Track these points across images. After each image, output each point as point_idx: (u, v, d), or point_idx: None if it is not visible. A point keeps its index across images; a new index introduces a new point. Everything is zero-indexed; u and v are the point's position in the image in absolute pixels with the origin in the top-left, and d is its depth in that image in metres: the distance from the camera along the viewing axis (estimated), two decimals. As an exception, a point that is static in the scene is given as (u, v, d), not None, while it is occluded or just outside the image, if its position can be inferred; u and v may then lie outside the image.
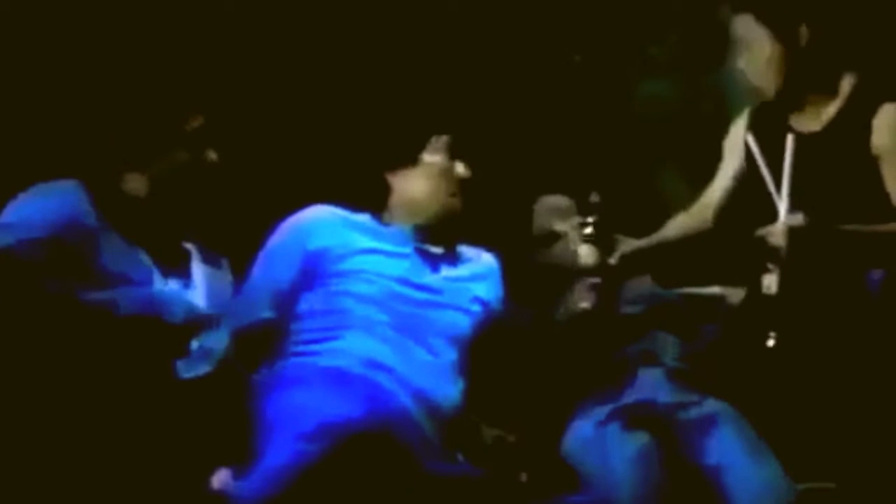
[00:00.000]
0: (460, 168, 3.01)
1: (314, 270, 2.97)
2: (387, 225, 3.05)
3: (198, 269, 3.00)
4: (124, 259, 2.87)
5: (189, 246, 3.02)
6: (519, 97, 4.09)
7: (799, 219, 2.90)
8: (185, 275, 2.97)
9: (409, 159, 3.04)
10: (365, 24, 4.06)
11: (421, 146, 3.04)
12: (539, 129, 4.07)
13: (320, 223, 3.03)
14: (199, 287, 2.98)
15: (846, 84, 3.03)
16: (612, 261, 3.04)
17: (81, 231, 2.83)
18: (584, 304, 3.02)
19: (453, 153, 3.02)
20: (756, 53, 3.01)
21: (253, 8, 4.03)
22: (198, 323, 2.86)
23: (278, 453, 2.66)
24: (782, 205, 2.94)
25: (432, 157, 3.02)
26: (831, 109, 3.02)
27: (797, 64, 3.01)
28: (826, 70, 3.04)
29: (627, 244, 3.11)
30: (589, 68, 4.11)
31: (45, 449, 2.58)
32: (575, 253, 3.06)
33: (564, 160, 3.96)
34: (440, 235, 3.04)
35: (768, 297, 2.92)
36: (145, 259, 2.90)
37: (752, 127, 3.13)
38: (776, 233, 2.90)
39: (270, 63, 4.03)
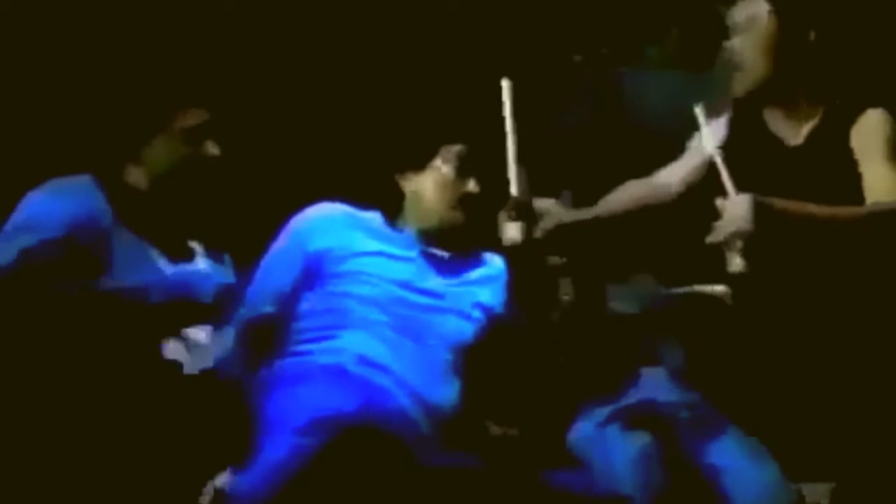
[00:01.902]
0: (471, 184, 3.01)
1: (316, 271, 2.98)
2: (396, 227, 3.05)
3: (204, 266, 3.01)
4: (136, 257, 2.87)
5: (194, 244, 3.03)
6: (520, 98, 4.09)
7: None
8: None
9: (420, 164, 3.05)
10: (374, 27, 4.06)
11: (433, 152, 3.05)
12: (539, 130, 4.06)
13: (324, 223, 3.03)
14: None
15: (830, 92, 3.03)
16: (541, 231, 3.01)
17: (97, 230, 2.83)
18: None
19: (464, 164, 3.03)
20: (755, 33, 2.99)
21: (269, 6, 4.03)
22: (228, 297, 2.87)
23: (275, 448, 2.69)
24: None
25: (441, 166, 3.03)
26: (813, 120, 3.02)
27: (792, 59, 3.00)
28: (815, 75, 3.03)
29: (565, 214, 3.09)
30: (588, 68, 4.11)
31: (46, 448, 2.59)
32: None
33: (564, 161, 3.96)
34: (445, 240, 3.04)
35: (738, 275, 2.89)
36: (156, 256, 2.90)
37: (731, 127, 3.12)
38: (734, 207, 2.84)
39: (286, 62, 4.03)
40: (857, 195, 2.93)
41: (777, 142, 3.04)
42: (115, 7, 3.80)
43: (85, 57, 3.72)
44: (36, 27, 3.80)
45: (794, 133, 3.03)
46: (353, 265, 2.97)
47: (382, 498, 2.59)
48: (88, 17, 3.80)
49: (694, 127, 3.07)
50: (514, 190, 2.94)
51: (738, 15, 3.04)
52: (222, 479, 2.70)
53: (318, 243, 2.99)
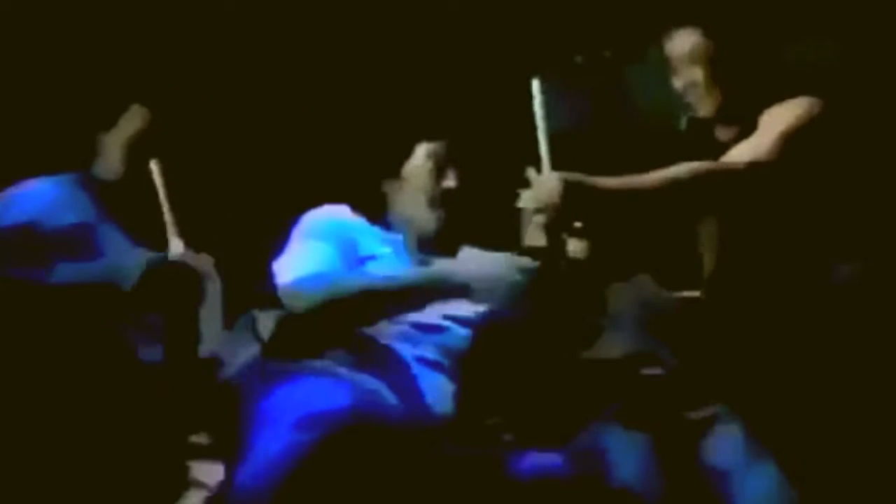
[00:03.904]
0: (450, 180, 2.99)
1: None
2: (388, 231, 3.03)
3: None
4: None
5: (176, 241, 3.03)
6: (518, 98, 4.08)
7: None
8: None
9: (398, 165, 3.03)
10: (363, 24, 4.05)
11: (408, 153, 3.02)
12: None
13: (343, 224, 3.01)
14: None
15: (770, 97, 3.07)
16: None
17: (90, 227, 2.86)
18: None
19: (441, 160, 3.00)
20: (698, 65, 3.06)
21: (245, 12, 4.03)
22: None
23: (272, 443, 2.63)
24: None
25: (416, 164, 3.01)
26: (751, 119, 3.05)
27: (729, 82, 3.05)
28: (754, 85, 3.07)
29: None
30: (589, 69, 4.11)
31: (25, 443, 2.58)
32: None
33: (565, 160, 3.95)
34: (432, 239, 3.02)
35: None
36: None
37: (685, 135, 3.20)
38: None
39: (271, 64, 4.03)
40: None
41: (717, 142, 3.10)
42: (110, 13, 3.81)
43: (84, 58, 3.73)
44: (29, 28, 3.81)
45: (730, 131, 3.09)
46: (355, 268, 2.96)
47: (380, 493, 2.58)
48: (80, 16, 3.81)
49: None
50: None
51: (674, 50, 3.09)
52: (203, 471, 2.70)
53: (345, 241, 2.97)
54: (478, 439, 2.83)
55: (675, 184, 2.88)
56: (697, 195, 2.91)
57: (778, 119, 2.97)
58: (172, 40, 3.78)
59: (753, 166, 2.89)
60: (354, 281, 2.89)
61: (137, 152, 2.90)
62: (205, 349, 3.03)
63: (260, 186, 3.88)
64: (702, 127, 3.17)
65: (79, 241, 2.83)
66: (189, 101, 3.04)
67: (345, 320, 2.86)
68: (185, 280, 2.83)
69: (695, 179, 2.88)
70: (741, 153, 2.94)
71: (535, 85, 2.94)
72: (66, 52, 3.61)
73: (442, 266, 2.96)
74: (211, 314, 3.08)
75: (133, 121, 2.90)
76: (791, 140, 2.93)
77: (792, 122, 2.96)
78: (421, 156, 3.01)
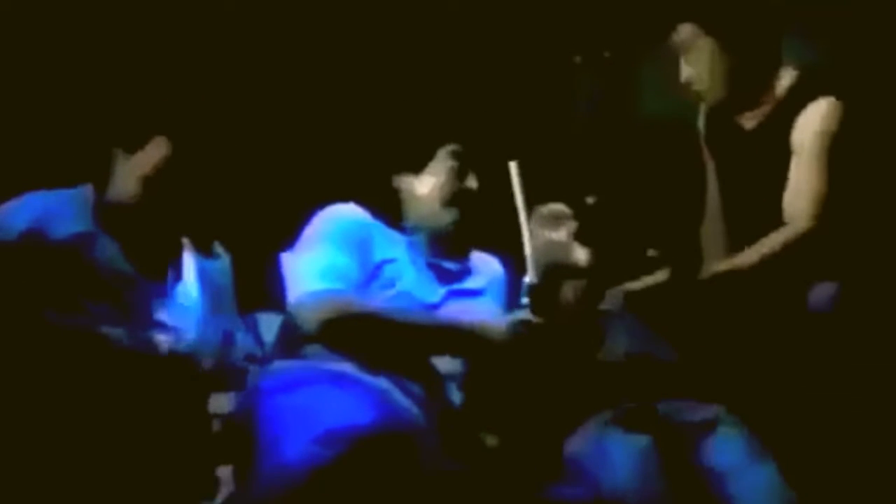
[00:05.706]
0: (469, 181, 2.99)
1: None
2: (405, 232, 3.02)
3: (190, 263, 3.02)
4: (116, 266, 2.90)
5: (185, 241, 3.04)
6: (520, 100, 4.09)
7: None
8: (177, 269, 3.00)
9: (418, 166, 3.02)
10: (374, 27, 4.06)
11: (431, 154, 3.02)
12: (541, 132, 4.07)
13: (363, 225, 3.01)
14: (191, 280, 3.00)
15: (784, 82, 3.16)
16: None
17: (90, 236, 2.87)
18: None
19: (462, 163, 3.00)
20: (702, 62, 3.14)
21: (259, 10, 4.03)
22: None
23: (289, 454, 2.59)
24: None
25: (437, 165, 3.00)
26: (767, 108, 3.15)
27: (740, 69, 3.14)
28: (766, 71, 3.16)
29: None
30: (589, 69, 4.12)
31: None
32: (568, 250, 3.05)
33: (566, 164, 3.96)
34: (448, 246, 3.02)
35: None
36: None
37: (706, 125, 3.30)
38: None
39: (284, 63, 4.03)
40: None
41: (737, 127, 3.20)
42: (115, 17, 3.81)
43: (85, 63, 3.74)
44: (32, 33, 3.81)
45: (750, 118, 3.18)
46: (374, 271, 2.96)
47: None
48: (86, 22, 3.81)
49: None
50: (531, 277, 2.88)
51: (679, 40, 3.18)
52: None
53: (362, 246, 2.96)
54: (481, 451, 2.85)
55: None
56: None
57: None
58: (196, 53, 3.79)
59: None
60: (371, 306, 2.86)
61: (154, 179, 2.90)
62: (218, 329, 3.03)
63: (266, 187, 3.88)
64: (721, 116, 3.23)
65: (78, 251, 2.84)
66: (212, 130, 3.04)
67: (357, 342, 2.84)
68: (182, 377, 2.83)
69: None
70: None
71: (513, 167, 2.89)
72: (101, 74, 3.63)
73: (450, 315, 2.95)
74: (223, 295, 3.08)
75: (157, 150, 2.90)
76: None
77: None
78: (446, 155, 3.00)
